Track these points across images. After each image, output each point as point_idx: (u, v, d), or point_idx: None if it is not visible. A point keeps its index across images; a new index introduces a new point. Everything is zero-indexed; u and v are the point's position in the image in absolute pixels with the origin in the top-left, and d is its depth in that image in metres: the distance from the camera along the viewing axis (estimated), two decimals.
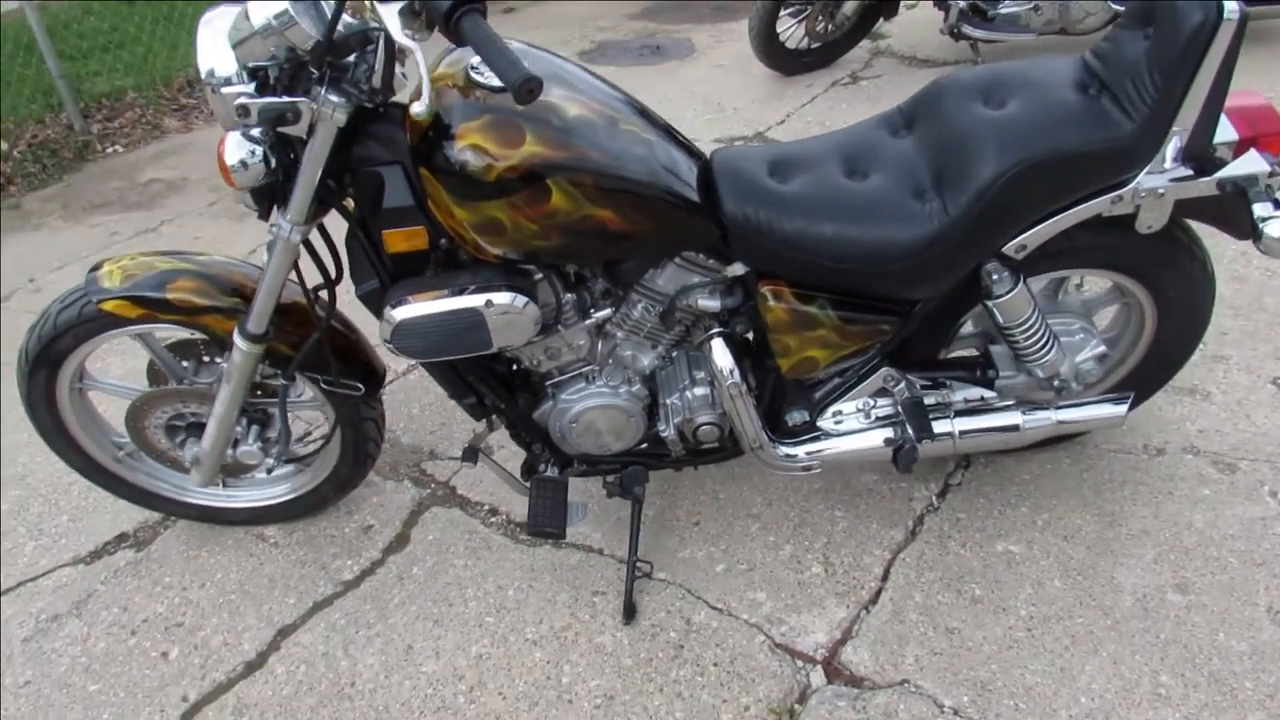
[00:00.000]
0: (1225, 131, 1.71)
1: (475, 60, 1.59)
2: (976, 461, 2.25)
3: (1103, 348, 1.99)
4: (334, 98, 1.46)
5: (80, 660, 1.99)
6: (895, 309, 1.82)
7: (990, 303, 1.78)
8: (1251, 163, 1.67)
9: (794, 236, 1.69)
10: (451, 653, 1.93)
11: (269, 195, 1.61)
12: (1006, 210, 1.66)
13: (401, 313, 1.64)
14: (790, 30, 4.55)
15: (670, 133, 1.76)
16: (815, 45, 4.62)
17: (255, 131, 1.49)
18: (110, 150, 4.76)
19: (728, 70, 4.89)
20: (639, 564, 2.01)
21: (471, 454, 1.98)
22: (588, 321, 1.82)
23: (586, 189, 1.56)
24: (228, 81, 1.47)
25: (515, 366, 1.92)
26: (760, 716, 1.76)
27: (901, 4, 4.60)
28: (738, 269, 1.79)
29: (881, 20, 4.61)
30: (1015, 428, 1.93)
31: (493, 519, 2.25)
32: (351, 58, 1.47)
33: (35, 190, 4.41)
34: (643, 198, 1.61)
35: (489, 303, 1.63)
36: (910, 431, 1.87)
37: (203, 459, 1.98)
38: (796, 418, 1.94)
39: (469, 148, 1.52)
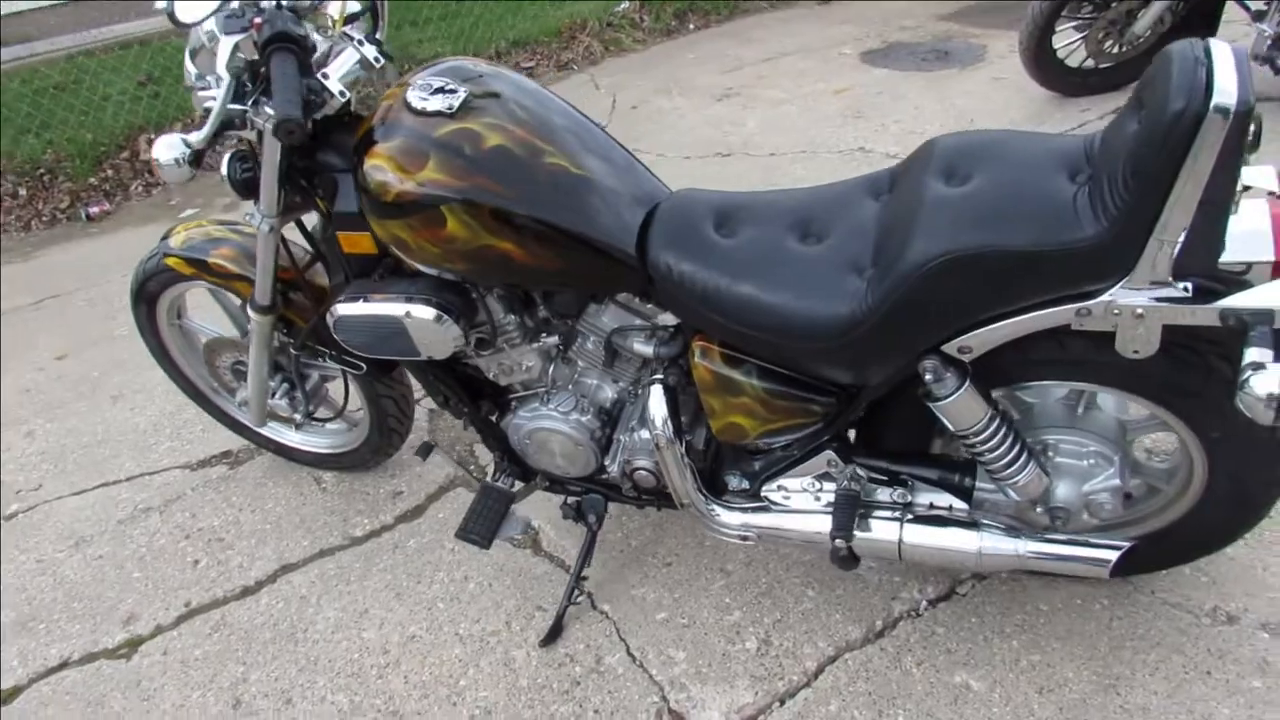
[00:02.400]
0: (1260, 247, 1.34)
1: (419, 82, 1.66)
2: (997, 575, 1.97)
3: (1116, 480, 1.65)
4: (269, 110, 1.60)
5: (141, 549, 2.38)
6: (831, 389, 1.64)
7: (930, 405, 1.55)
8: (1274, 295, 1.31)
9: (711, 293, 1.58)
10: (392, 626, 2.06)
11: (250, 187, 1.79)
12: (929, 305, 1.43)
13: (341, 309, 1.77)
14: (1074, 46, 4.05)
15: (625, 170, 1.71)
16: (1102, 65, 4.08)
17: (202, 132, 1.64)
18: None
19: (1002, 85, 4.46)
20: (581, 590, 2.01)
21: (425, 449, 2.08)
22: (534, 345, 1.84)
23: (484, 220, 1.58)
24: (206, 84, 1.67)
25: (481, 374, 1.98)
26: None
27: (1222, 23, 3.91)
28: (670, 318, 1.72)
29: None
30: (971, 552, 1.67)
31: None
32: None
33: None
34: (548, 235, 1.60)
35: (409, 314, 1.71)
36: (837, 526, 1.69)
37: (249, 403, 2.26)
38: (734, 483, 1.82)
39: (375, 167, 1.60)
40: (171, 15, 1.50)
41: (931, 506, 1.73)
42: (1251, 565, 1.91)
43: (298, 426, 2.40)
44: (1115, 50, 4.02)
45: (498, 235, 1.59)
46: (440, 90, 1.63)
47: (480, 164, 1.58)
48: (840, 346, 1.52)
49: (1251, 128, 1.48)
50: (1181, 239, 1.30)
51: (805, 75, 4.92)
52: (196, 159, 1.60)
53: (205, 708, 1.94)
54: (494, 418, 2.00)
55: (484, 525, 1.96)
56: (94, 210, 4.50)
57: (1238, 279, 1.35)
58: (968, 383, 1.52)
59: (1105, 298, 1.36)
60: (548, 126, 1.67)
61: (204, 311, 2.43)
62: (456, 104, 1.61)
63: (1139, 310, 1.36)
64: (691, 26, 6.04)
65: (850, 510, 1.69)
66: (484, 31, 5.96)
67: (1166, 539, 1.77)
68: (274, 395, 2.25)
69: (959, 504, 1.71)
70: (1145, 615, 1.85)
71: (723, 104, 4.71)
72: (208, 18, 1.48)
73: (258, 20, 1.39)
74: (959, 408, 1.53)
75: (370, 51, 1.70)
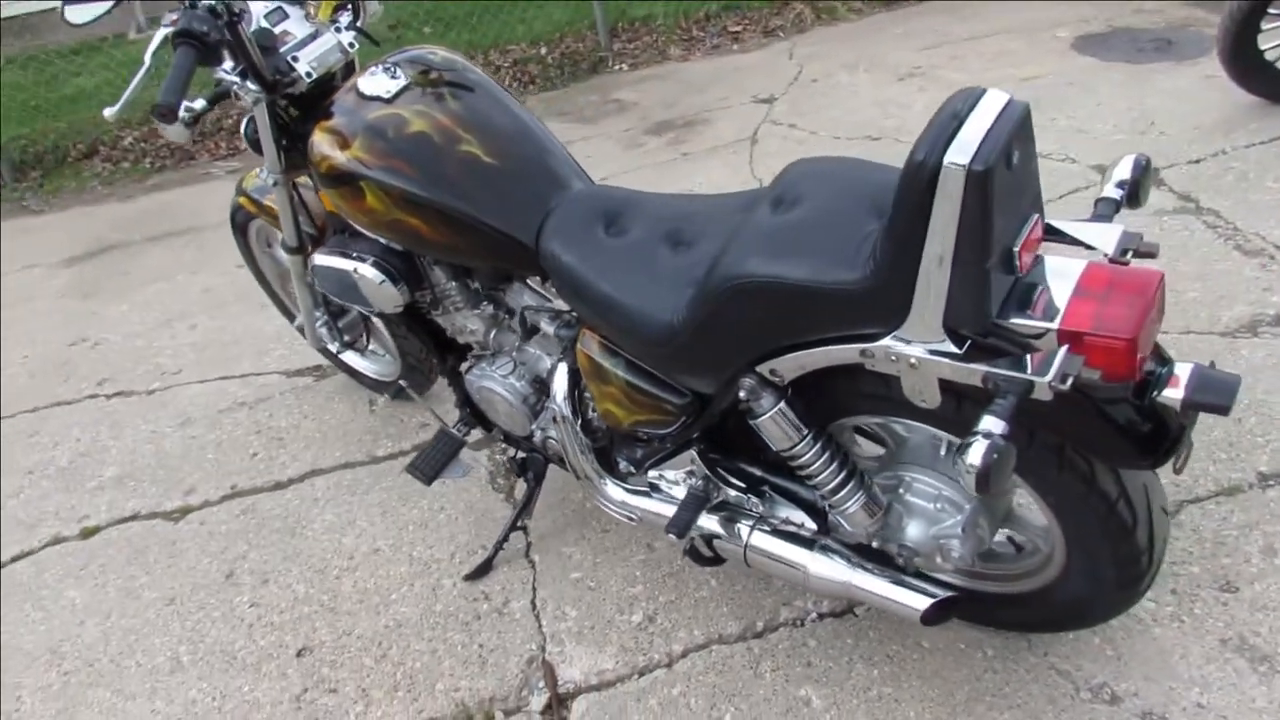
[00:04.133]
0: (1051, 314, 1.27)
1: (374, 68, 1.87)
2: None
3: (959, 529, 1.60)
4: (252, 86, 1.88)
5: (222, 436, 2.85)
6: (685, 392, 1.71)
7: (750, 421, 1.58)
8: (1035, 368, 1.24)
9: (581, 286, 1.69)
10: (367, 538, 2.37)
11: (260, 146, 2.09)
12: (728, 326, 1.47)
13: (316, 258, 2.05)
14: None
15: (544, 164, 1.83)
16: None
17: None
18: (617, 68, 5.61)
19: (1210, 85, 3.97)
20: (523, 535, 2.20)
21: (399, 391, 2.32)
22: (475, 311, 2.03)
23: (395, 198, 1.78)
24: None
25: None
26: (462, 703, 1.91)
27: None
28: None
29: None
30: (802, 570, 1.68)
31: (499, 456, 2.57)
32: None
33: (543, 91, 5.44)
34: (448, 216, 1.77)
35: (357, 270, 1.96)
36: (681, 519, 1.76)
37: (305, 328, 2.63)
38: (622, 465, 1.92)
39: (317, 140, 1.84)
40: (63, 15, 1.80)
41: (785, 521, 1.75)
42: (1171, 650, 1.76)
43: (361, 352, 2.74)
44: None
45: (406, 212, 1.79)
46: (390, 75, 1.84)
47: (398, 147, 1.78)
48: (668, 353, 1.59)
49: (1123, 181, 1.39)
50: (945, 294, 1.26)
51: (1002, 58, 4.62)
52: (194, 121, 1.91)
53: (207, 572, 2.35)
54: (461, 370, 2.22)
55: (430, 464, 2.19)
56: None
57: (1024, 341, 1.28)
58: (782, 404, 1.54)
59: (884, 343, 1.35)
60: (474, 118, 1.83)
61: None
62: (394, 90, 1.81)
63: (912, 360, 1.33)
64: None
65: (692, 509, 1.76)
66: None
67: (1038, 602, 1.69)
68: (317, 324, 2.60)
69: (810, 523, 1.72)
70: (1023, 675, 1.76)
71: (901, 84, 4.55)
72: (96, 19, 1.77)
73: (174, 16, 1.66)
74: (773, 427, 1.56)
75: (346, 38, 1.94)
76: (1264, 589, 1.84)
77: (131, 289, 3.89)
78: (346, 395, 2.92)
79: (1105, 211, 1.42)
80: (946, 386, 1.36)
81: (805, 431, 1.56)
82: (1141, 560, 1.50)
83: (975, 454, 1.18)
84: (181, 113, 1.90)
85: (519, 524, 2.21)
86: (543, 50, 5.69)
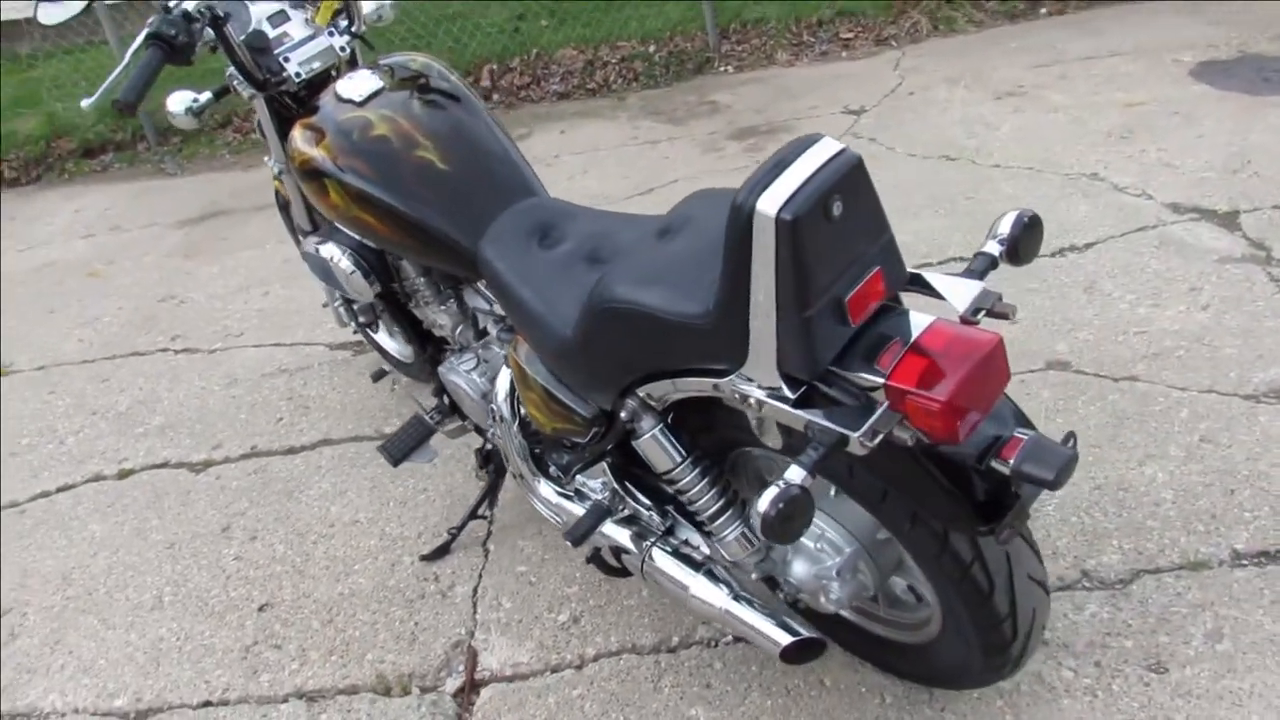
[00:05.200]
0: (881, 368, 1.25)
1: (354, 72, 1.99)
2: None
3: (833, 572, 1.58)
4: (244, 84, 2.03)
5: (257, 399, 3.06)
6: (592, 406, 1.75)
7: (632, 442, 1.61)
8: (849, 419, 1.23)
9: (505, 291, 1.76)
10: (351, 509, 2.52)
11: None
12: (600, 346, 1.51)
13: (305, 245, 2.20)
14: None
15: (500, 174, 1.90)
16: None
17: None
18: (722, 69, 5.61)
19: None
20: (480, 519, 2.30)
21: (379, 375, 2.44)
22: (442, 307, 2.13)
23: (352, 196, 1.89)
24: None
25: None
26: (383, 675, 2.03)
27: None
28: None
29: None
30: (685, 591, 1.70)
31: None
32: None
33: (646, 89, 5.50)
34: (398, 216, 1.87)
35: (333, 259, 2.09)
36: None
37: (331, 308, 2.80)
38: (552, 469, 1.98)
39: (295, 135, 1.97)
40: (35, 16, 1.95)
41: (685, 543, 1.77)
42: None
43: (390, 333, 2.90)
44: None
45: (363, 209, 1.90)
46: (367, 80, 1.95)
47: (359, 148, 1.89)
48: (567, 366, 1.64)
49: (1003, 237, 1.36)
50: (774, 338, 1.26)
51: (1111, 81, 4.38)
52: (199, 112, 2.09)
53: (208, 523, 2.55)
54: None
55: (400, 447, 2.31)
56: None
57: (859, 393, 1.27)
58: (659, 428, 1.56)
59: (729, 380, 1.36)
60: (436, 125, 1.91)
61: None
62: (366, 93, 1.93)
63: (751, 401, 1.34)
64: (1044, 11, 5.54)
65: (593, 519, 1.80)
66: None
67: (927, 656, 1.66)
68: (335, 304, 2.76)
69: (706, 548, 1.74)
70: None
71: (997, 103, 4.38)
72: (68, 20, 1.93)
73: (150, 19, 1.81)
74: (652, 449, 1.59)
75: (339, 41, 2.07)
76: (1194, 674, 1.74)
77: (226, 253, 4.20)
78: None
79: (978, 267, 1.37)
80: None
81: (683, 457, 1.58)
82: (1003, 628, 1.46)
83: (764, 500, 1.19)
84: (190, 103, 2.08)
85: (480, 513, 2.31)
86: (651, 48, 5.75)
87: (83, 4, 1.94)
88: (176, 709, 2.03)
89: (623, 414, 1.58)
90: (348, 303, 2.69)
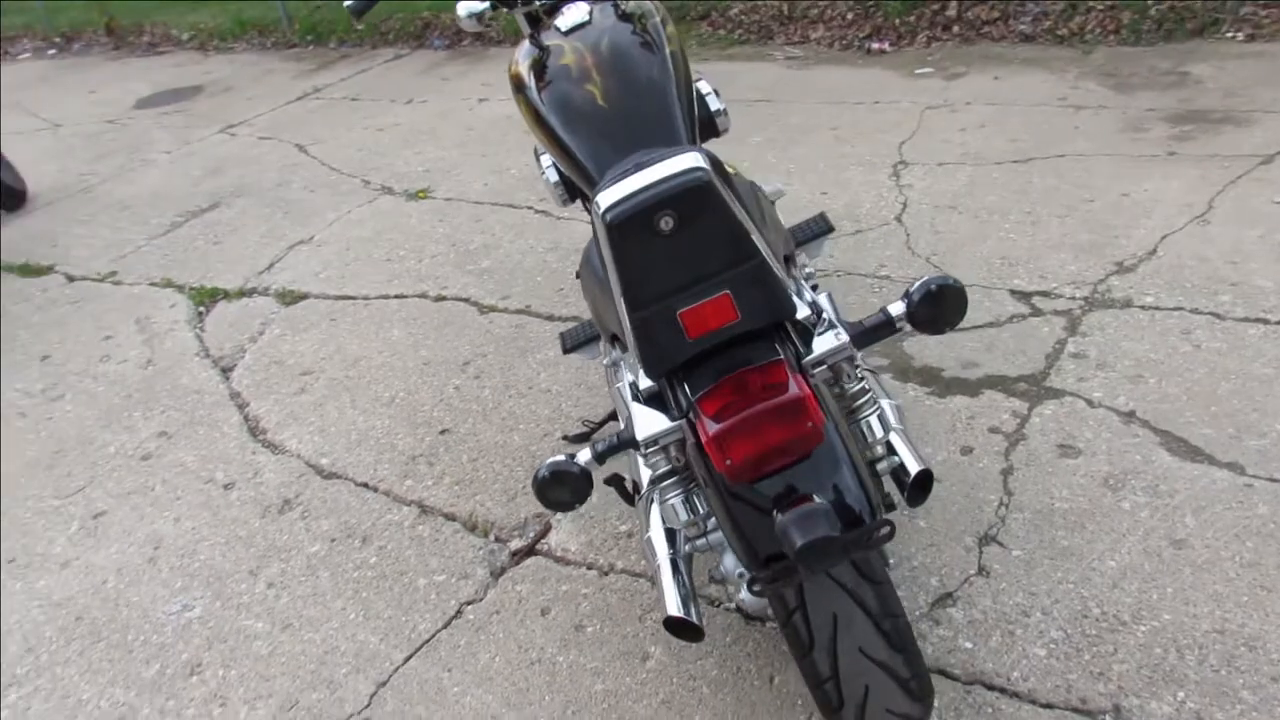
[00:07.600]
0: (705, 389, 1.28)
1: (576, 4, 2.20)
2: None
3: (733, 567, 1.60)
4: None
5: (559, 270, 3.53)
6: None
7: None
8: (648, 424, 1.29)
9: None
10: (553, 379, 2.89)
11: None
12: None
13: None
14: None
15: (649, 124, 2.02)
16: None
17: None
18: (1229, 34, 4.74)
19: None
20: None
21: None
22: None
23: (530, 111, 2.15)
24: None
25: None
26: (475, 515, 2.41)
27: None
28: None
29: None
30: (647, 531, 1.81)
31: None
32: None
33: (1122, 45, 4.86)
34: (556, 139, 2.10)
35: (541, 161, 2.40)
36: None
37: None
38: None
39: (515, 51, 2.26)
40: None
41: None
42: None
43: None
44: None
45: (535, 125, 2.16)
46: (582, 13, 2.17)
47: (544, 72, 2.14)
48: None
49: (911, 299, 1.29)
50: (629, 329, 1.34)
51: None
52: (479, 16, 2.46)
53: (459, 355, 3.10)
54: None
55: (574, 338, 2.57)
56: (873, 47, 5.35)
57: (684, 407, 1.31)
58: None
59: (619, 357, 1.45)
60: (614, 64, 2.07)
61: None
62: (573, 24, 2.15)
63: (622, 386, 1.42)
64: None
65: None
66: None
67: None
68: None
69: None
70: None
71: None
72: None
73: None
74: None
75: None
76: None
77: None
78: (458, 331, 3.34)
79: (874, 323, 1.28)
80: None
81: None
82: (825, 688, 1.40)
83: (546, 462, 1.31)
84: (472, 9, 2.47)
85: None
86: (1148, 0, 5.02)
87: None
88: (345, 481, 2.63)
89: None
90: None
